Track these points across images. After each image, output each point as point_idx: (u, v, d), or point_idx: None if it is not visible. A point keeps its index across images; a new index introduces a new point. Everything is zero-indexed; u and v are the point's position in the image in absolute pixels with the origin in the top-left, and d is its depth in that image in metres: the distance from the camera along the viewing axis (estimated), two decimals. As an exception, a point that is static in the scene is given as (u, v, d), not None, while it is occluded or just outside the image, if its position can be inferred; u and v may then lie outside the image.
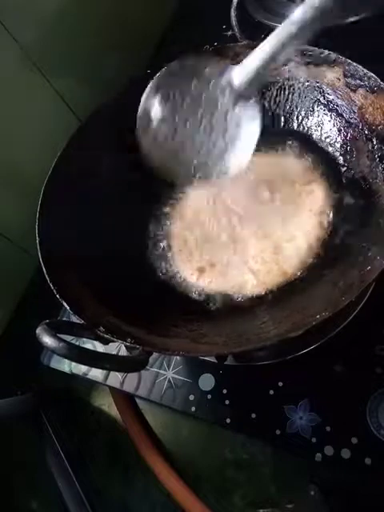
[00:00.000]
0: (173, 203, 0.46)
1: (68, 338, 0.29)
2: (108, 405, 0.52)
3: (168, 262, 0.43)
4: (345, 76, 0.40)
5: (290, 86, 0.44)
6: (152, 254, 0.44)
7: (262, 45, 0.33)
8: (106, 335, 0.31)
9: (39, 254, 0.36)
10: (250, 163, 0.45)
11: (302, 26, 0.31)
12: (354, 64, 0.39)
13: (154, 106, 0.38)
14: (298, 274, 0.38)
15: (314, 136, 0.44)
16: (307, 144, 0.44)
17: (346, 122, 0.41)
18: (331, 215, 0.40)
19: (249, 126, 0.35)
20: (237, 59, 0.45)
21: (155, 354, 0.32)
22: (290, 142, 0.45)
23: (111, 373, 0.48)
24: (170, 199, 0.46)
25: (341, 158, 0.42)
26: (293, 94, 0.44)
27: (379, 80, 0.37)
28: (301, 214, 0.40)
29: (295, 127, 0.45)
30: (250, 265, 0.40)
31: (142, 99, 0.38)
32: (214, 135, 0.36)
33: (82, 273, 0.38)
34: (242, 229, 0.41)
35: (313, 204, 0.41)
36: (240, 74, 0.35)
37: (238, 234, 0.41)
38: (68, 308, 0.33)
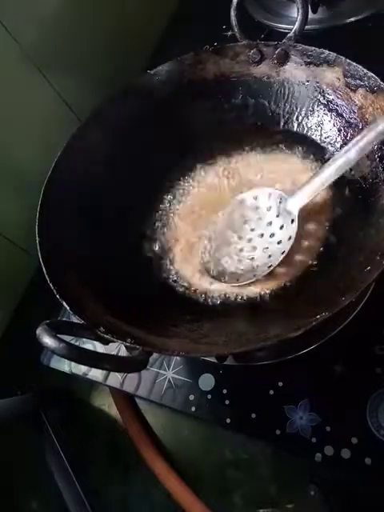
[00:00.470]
0: (174, 203, 0.46)
1: (68, 338, 0.29)
2: (108, 405, 0.52)
3: (168, 263, 0.43)
4: (345, 76, 0.40)
5: (290, 86, 0.44)
6: (152, 254, 0.43)
7: (320, 173, 0.37)
8: (106, 335, 0.31)
9: (39, 254, 0.36)
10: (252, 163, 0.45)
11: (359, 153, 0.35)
12: (354, 64, 0.39)
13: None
14: (298, 274, 0.38)
15: (314, 136, 0.44)
16: (307, 144, 0.44)
17: (346, 121, 0.41)
18: (331, 215, 0.40)
19: (286, 244, 0.38)
20: (237, 59, 0.45)
21: (155, 354, 0.32)
22: (290, 142, 0.45)
23: (111, 373, 0.48)
24: (171, 199, 0.46)
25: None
26: (293, 94, 0.45)
27: (379, 80, 0.37)
28: (301, 214, 0.40)
29: (295, 127, 0.45)
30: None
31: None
32: (258, 251, 0.40)
33: (82, 273, 0.38)
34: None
35: (313, 204, 0.41)
36: (296, 203, 0.39)
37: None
38: (68, 308, 0.33)
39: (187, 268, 0.42)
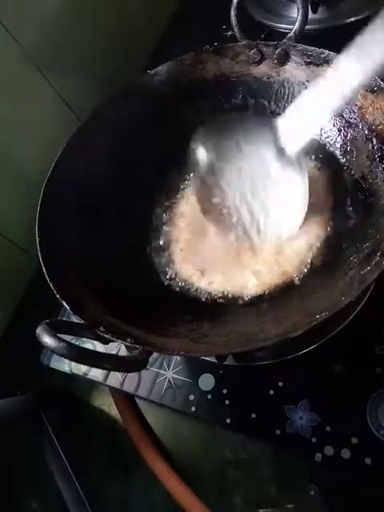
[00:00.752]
0: (174, 203, 0.46)
1: (68, 337, 0.29)
2: (108, 405, 0.52)
3: (168, 263, 0.43)
4: (345, 76, 0.40)
5: (290, 86, 0.44)
6: (152, 254, 0.44)
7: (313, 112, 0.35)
8: (105, 335, 0.31)
9: (39, 254, 0.36)
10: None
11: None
12: (354, 64, 0.39)
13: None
14: (298, 273, 0.38)
15: (314, 136, 0.44)
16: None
17: (346, 121, 0.41)
18: (331, 215, 0.40)
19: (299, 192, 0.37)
20: (237, 59, 0.45)
21: (155, 354, 0.32)
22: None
23: (111, 373, 0.48)
24: (171, 199, 0.46)
25: (341, 158, 0.42)
26: (293, 94, 0.44)
27: (379, 80, 0.37)
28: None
29: (295, 127, 0.45)
30: (251, 265, 0.40)
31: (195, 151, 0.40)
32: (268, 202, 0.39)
33: (82, 273, 0.38)
34: (243, 229, 0.41)
35: (313, 203, 0.41)
36: (293, 145, 0.37)
37: (239, 234, 0.41)
38: (68, 308, 0.33)
39: (187, 267, 0.42)
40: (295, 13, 0.42)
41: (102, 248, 0.41)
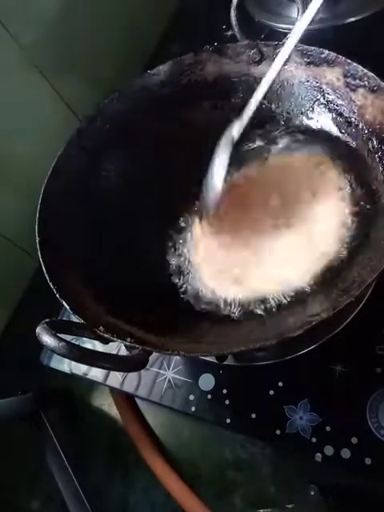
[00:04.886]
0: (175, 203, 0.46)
1: (68, 337, 0.29)
2: (108, 405, 0.52)
3: (172, 264, 0.42)
4: (345, 76, 0.40)
5: (290, 86, 0.44)
6: (156, 254, 0.43)
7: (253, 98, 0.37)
8: (105, 335, 0.31)
9: (39, 253, 0.36)
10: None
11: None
12: (354, 64, 0.39)
13: None
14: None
15: (314, 136, 0.44)
16: (307, 144, 0.44)
17: (346, 121, 0.41)
18: (332, 216, 0.40)
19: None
20: (237, 59, 0.45)
21: (155, 354, 0.32)
22: (289, 143, 0.45)
23: (111, 373, 0.48)
24: (172, 198, 0.46)
25: (341, 158, 0.42)
26: (293, 94, 0.45)
27: (379, 80, 0.37)
28: (301, 215, 0.40)
29: (295, 127, 0.45)
30: (252, 269, 0.39)
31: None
32: None
33: (82, 273, 0.38)
34: (244, 230, 0.41)
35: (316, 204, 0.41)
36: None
37: (241, 237, 0.41)
38: (68, 308, 0.33)
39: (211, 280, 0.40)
40: (295, 13, 0.42)
41: (102, 248, 0.41)
